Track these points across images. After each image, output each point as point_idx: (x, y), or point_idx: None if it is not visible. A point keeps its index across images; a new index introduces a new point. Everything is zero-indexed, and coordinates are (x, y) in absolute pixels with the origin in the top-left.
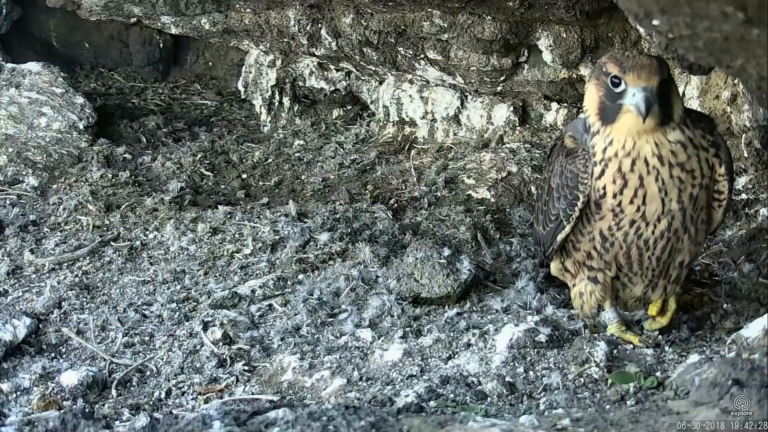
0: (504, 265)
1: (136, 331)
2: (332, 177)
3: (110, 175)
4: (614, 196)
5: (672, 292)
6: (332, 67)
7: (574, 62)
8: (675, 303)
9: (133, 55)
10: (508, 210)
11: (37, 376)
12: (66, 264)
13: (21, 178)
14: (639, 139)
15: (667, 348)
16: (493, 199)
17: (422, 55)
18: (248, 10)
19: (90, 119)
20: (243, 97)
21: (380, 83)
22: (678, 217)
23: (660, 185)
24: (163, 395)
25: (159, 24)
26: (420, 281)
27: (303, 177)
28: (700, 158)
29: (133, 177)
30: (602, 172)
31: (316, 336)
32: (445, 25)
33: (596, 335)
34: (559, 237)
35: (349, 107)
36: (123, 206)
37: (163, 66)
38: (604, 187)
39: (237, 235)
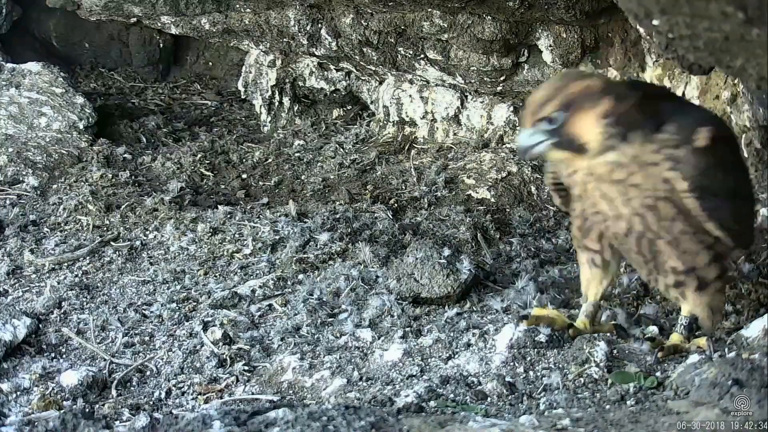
0: (504, 265)
1: (136, 331)
2: (332, 177)
3: (110, 175)
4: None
5: (701, 305)
6: (332, 67)
7: (574, 62)
8: (704, 341)
9: (133, 55)
10: (508, 210)
11: (37, 376)
12: (66, 264)
13: (21, 178)
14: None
15: None
16: (493, 199)
17: (422, 55)
18: (248, 10)
19: (90, 119)
20: (243, 97)
21: (380, 83)
22: (636, 222)
23: (600, 195)
24: (163, 395)
25: (159, 24)
26: (420, 281)
27: (303, 177)
28: (648, 173)
29: (133, 177)
30: None
31: (316, 336)
32: (445, 25)
33: (596, 335)
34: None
35: (349, 107)
36: (123, 206)
37: (163, 66)
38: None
39: (237, 235)
